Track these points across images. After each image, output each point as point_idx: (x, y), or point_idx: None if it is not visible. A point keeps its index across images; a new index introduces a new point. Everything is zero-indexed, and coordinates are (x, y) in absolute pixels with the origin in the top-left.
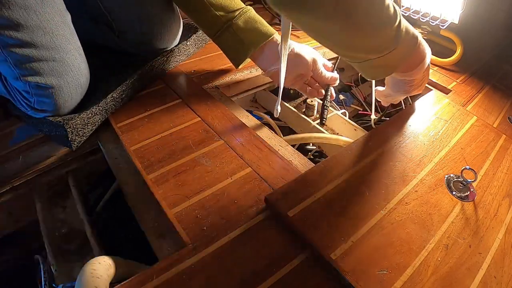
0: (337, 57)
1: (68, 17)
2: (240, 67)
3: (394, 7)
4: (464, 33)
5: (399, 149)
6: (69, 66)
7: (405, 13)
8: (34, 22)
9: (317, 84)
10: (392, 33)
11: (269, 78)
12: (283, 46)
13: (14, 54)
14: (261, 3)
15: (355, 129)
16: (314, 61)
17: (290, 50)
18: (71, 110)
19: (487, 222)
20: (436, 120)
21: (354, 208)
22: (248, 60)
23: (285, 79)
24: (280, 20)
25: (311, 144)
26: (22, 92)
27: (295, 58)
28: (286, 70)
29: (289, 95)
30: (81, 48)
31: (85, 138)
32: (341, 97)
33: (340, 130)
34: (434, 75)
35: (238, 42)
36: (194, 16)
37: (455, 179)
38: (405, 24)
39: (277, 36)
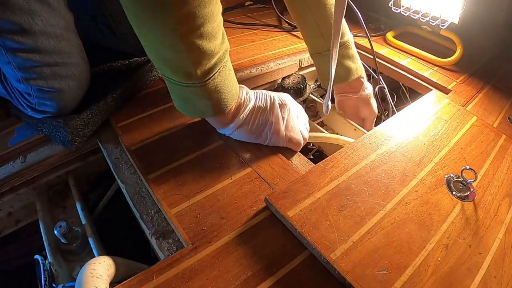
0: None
1: (72, 20)
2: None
3: (226, 46)
4: (464, 33)
5: (399, 149)
6: (72, 70)
7: (405, 13)
8: (39, 27)
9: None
10: (208, 57)
11: (268, 78)
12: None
13: (18, 58)
14: (261, 2)
15: (355, 129)
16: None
17: (369, 92)
18: (71, 111)
19: (487, 222)
20: (436, 120)
21: (354, 208)
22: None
23: (347, 108)
24: (288, 23)
25: (311, 144)
26: (23, 93)
27: (369, 102)
28: (355, 103)
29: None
30: (83, 51)
31: (85, 138)
32: None
33: (340, 130)
34: (434, 75)
35: (344, 66)
36: (302, 28)
37: (455, 179)
38: (226, 82)
39: (363, 74)
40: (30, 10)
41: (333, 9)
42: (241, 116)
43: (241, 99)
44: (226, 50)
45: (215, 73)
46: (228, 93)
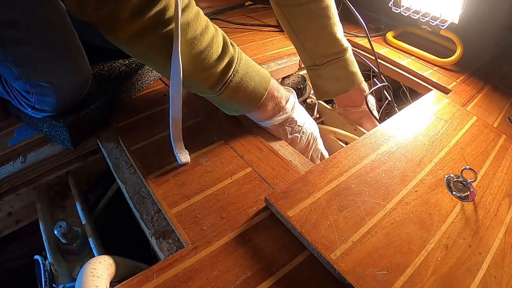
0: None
1: (67, 16)
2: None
3: (229, 58)
4: (464, 33)
5: (399, 149)
6: (70, 65)
7: (405, 13)
8: (32, 22)
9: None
10: (208, 76)
11: None
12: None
13: (14, 54)
14: (261, 2)
15: (355, 129)
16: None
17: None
18: (71, 110)
19: (487, 222)
20: (436, 120)
21: (354, 208)
22: None
23: (351, 114)
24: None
25: None
26: (22, 92)
27: (369, 118)
28: (357, 117)
29: None
30: (81, 47)
31: (85, 138)
32: None
33: None
34: (434, 75)
35: (322, 86)
36: (292, 42)
37: (455, 179)
38: (239, 83)
39: (364, 85)
40: (24, 5)
41: (315, 27)
42: (289, 106)
43: (287, 98)
44: (231, 59)
45: (225, 83)
46: (253, 89)
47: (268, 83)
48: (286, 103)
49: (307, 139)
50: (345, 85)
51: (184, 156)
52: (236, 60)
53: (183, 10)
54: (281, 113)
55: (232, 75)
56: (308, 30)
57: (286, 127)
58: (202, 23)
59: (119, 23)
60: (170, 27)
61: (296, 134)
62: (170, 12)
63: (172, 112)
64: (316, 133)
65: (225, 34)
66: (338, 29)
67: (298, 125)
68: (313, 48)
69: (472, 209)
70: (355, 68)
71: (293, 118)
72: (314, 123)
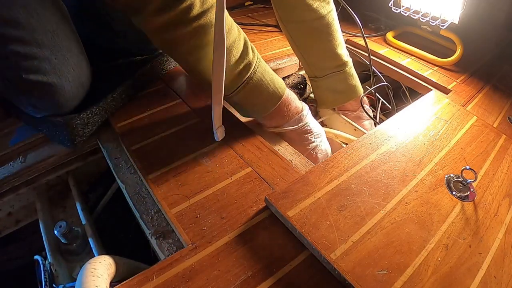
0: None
1: (67, 13)
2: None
3: (245, 63)
4: (464, 33)
5: (399, 149)
6: (71, 64)
7: (405, 13)
8: (34, 21)
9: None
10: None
11: None
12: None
13: (16, 53)
14: (261, 2)
15: (355, 129)
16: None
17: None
18: (71, 110)
19: (487, 222)
20: (436, 120)
21: (354, 208)
22: None
23: (348, 113)
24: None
25: None
26: (23, 91)
27: (362, 123)
28: (351, 120)
29: None
30: (82, 46)
31: (85, 138)
32: None
33: (340, 130)
34: (434, 75)
35: (321, 97)
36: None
37: (455, 179)
38: (258, 83)
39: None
40: (24, 4)
41: (315, 42)
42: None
43: (299, 109)
44: (249, 65)
45: (239, 87)
46: (266, 96)
47: (281, 95)
48: (297, 115)
49: (316, 151)
50: (343, 97)
51: (221, 133)
52: (253, 67)
53: (209, 10)
54: (287, 124)
55: (246, 82)
56: (309, 45)
57: (297, 136)
58: (226, 26)
59: (145, 15)
60: (194, 25)
61: (311, 143)
62: (195, 11)
63: (214, 90)
64: (326, 146)
65: (247, 39)
66: (339, 44)
67: (309, 135)
68: (313, 61)
69: (472, 209)
70: (355, 81)
71: (303, 129)
72: (326, 142)
